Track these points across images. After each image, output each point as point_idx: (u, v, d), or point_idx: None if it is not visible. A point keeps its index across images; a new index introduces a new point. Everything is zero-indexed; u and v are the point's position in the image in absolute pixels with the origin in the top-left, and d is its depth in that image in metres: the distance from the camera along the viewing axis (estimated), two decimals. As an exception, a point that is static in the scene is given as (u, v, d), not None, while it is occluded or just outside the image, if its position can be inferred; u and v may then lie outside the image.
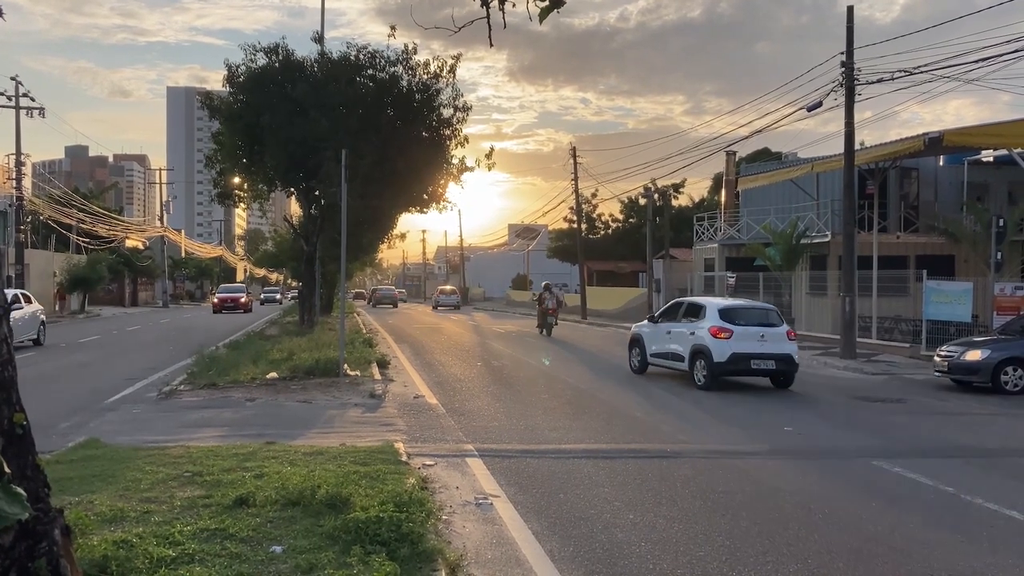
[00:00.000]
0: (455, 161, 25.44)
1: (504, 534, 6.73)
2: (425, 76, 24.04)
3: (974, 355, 16.55)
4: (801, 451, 10.48)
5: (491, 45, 4.06)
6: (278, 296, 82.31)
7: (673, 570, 5.94)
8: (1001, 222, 22.91)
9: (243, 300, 55.76)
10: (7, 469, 3.04)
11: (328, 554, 5.42)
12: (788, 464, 9.67)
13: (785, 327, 17.04)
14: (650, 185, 47.90)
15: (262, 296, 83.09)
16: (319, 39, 25.17)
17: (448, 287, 72.86)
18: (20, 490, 3.01)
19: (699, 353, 16.32)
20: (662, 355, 17.92)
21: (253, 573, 5.12)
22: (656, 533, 6.81)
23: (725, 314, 16.61)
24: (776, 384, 16.59)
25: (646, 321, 19.56)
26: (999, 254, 22.87)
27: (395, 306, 68.85)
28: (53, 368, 19.22)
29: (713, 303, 17.50)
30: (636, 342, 19.05)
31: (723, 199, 43.66)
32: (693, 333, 16.70)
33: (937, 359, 17.47)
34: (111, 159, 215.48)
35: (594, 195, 61.94)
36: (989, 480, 9.05)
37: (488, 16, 3.93)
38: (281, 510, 6.47)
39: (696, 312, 17.23)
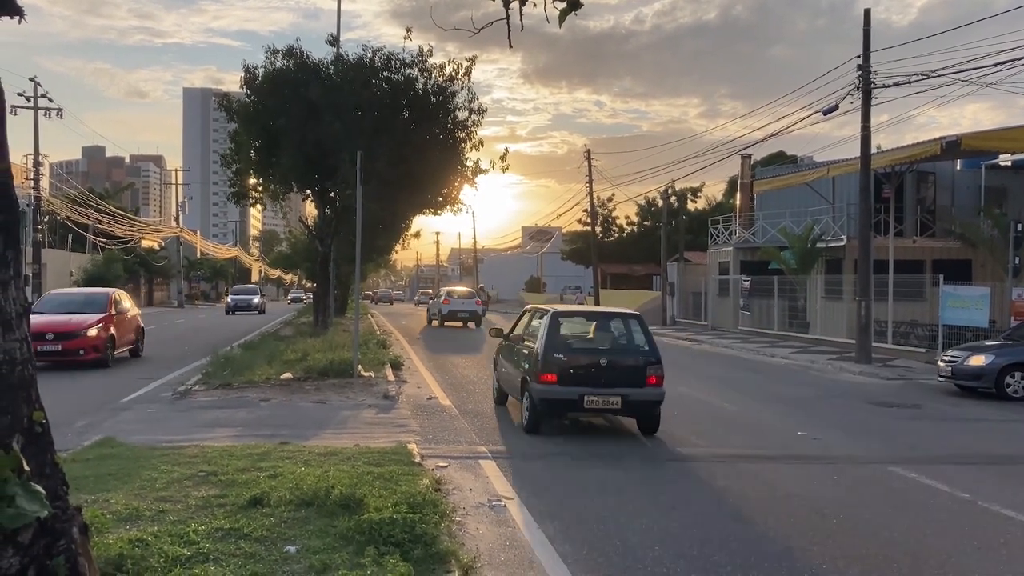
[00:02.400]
0: (470, 163, 25.47)
1: (517, 536, 6.72)
2: (440, 78, 24.09)
3: (977, 360, 16.44)
4: (816, 456, 10.42)
5: (511, 47, 4.06)
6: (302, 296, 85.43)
7: (686, 575, 5.92)
8: (1019, 227, 22.71)
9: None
10: (26, 467, 3.07)
11: (342, 555, 5.43)
12: (802, 469, 9.62)
13: None
14: (668, 188, 47.81)
15: (290, 296, 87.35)
16: (334, 41, 25.25)
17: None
18: (39, 488, 3.03)
19: None
20: None
21: (267, 573, 5.13)
22: (669, 537, 6.78)
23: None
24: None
25: None
26: (1017, 259, 22.67)
27: (391, 303, 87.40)
28: (68, 367, 19.31)
29: None
30: None
31: (738, 202, 43.49)
32: None
33: (941, 364, 17.36)
34: (127, 160, 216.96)
35: (610, 199, 61.96)
36: (1006, 487, 8.97)
37: (508, 17, 3.94)
38: (295, 510, 6.48)
39: None
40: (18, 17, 3.71)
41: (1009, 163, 31.65)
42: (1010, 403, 15.63)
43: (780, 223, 33.27)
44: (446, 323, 39.16)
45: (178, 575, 4.91)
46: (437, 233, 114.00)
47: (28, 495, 2.96)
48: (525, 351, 11.99)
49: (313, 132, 22.53)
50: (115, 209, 61.00)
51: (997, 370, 16.10)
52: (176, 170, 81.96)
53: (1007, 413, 14.63)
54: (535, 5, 3.85)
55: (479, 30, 4.25)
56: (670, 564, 6.12)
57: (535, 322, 12.53)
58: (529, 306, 14.60)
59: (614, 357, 11.32)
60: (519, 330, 13.33)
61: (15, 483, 2.98)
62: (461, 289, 45.68)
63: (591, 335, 12.51)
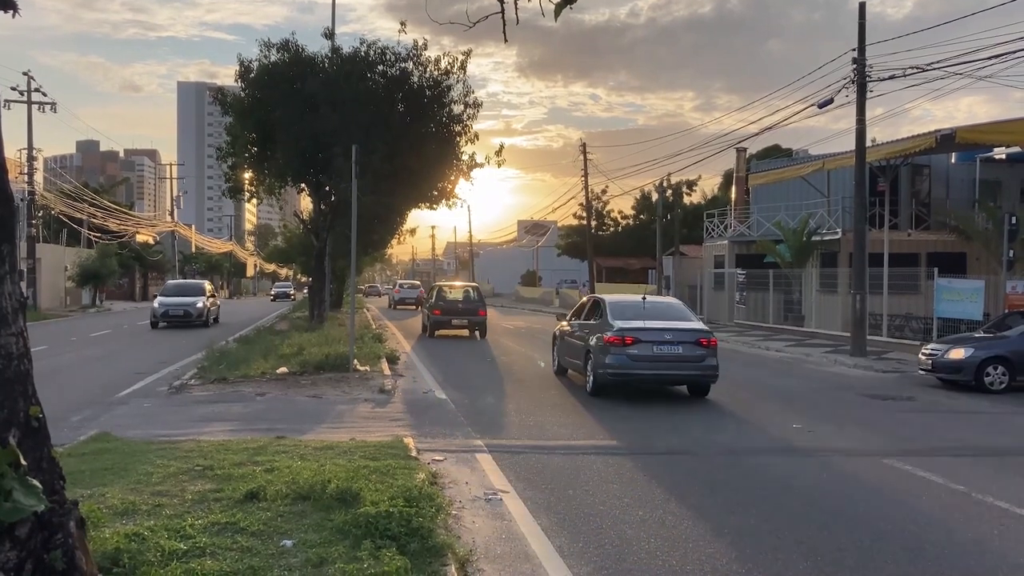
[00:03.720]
0: (465, 157, 25.46)
1: (513, 529, 6.74)
2: (436, 72, 24.07)
3: (957, 353, 16.52)
4: (811, 448, 10.45)
5: (505, 41, 4.06)
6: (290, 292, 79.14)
7: (682, 566, 5.94)
8: (1013, 220, 22.77)
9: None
10: (23, 461, 3.07)
11: (339, 548, 5.44)
12: (798, 461, 9.65)
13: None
14: (663, 181, 47.84)
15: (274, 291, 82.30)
16: (329, 35, 25.19)
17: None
18: (36, 482, 3.04)
19: None
20: None
21: (264, 567, 5.14)
22: (665, 529, 6.81)
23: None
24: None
25: None
26: (1011, 252, 22.73)
27: (380, 296, 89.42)
28: (64, 362, 19.33)
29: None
30: None
31: (733, 196, 43.56)
32: None
33: (922, 357, 17.44)
34: (122, 154, 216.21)
35: (604, 191, 61.91)
36: (1000, 479, 9.01)
37: (503, 11, 3.94)
38: (291, 504, 6.49)
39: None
40: (12, 11, 3.70)
41: (1004, 156, 31.68)
42: (1003, 395, 15.68)
43: (775, 216, 33.31)
44: (397, 307, 54.68)
45: (174, 569, 4.91)
46: (433, 227, 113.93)
47: (25, 489, 2.96)
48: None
49: (308, 126, 22.50)
50: (110, 204, 60.85)
51: (976, 363, 16.17)
52: (171, 164, 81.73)
53: (1001, 405, 14.68)
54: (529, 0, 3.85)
55: (474, 24, 4.25)
56: (665, 556, 6.14)
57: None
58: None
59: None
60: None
61: (12, 477, 2.99)
62: (409, 281, 67.58)
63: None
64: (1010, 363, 16.14)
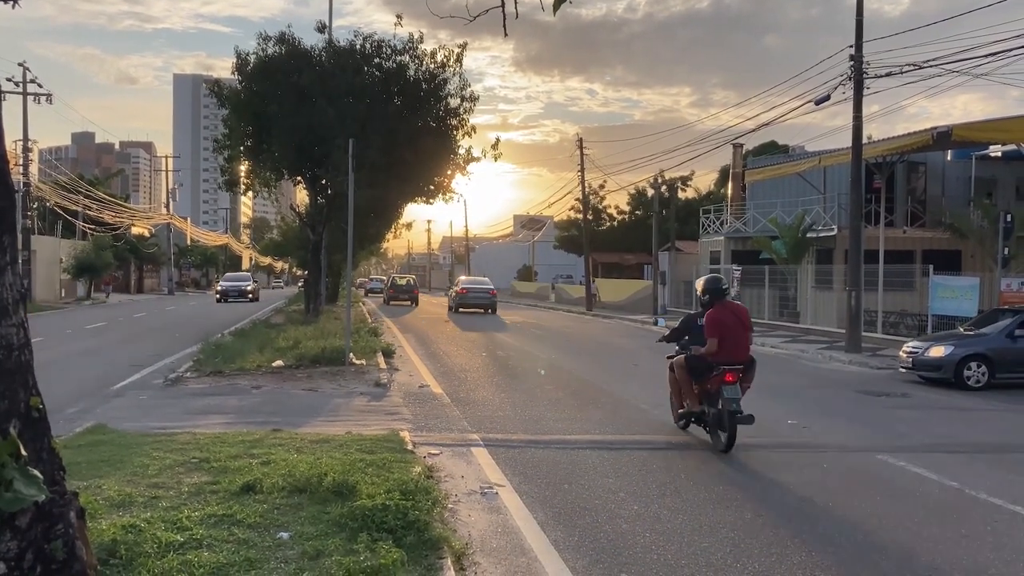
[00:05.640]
0: (462, 151, 25.44)
1: (509, 523, 6.76)
2: (432, 65, 24.04)
3: (937, 351, 16.60)
4: (805, 444, 10.49)
5: (505, 35, 4.07)
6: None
7: (677, 560, 5.97)
8: (1009, 218, 22.81)
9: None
10: (24, 452, 3.08)
11: (335, 541, 5.46)
12: (792, 457, 9.69)
13: None
14: (658, 177, 47.81)
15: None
16: (323, 28, 25.12)
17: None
18: (37, 472, 3.05)
19: None
20: None
21: (260, 559, 5.15)
22: (660, 524, 6.84)
23: None
24: None
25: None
26: (1006, 250, 22.79)
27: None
28: (60, 354, 19.31)
29: None
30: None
31: (729, 192, 43.55)
32: None
33: (903, 355, 17.51)
34: (117, 146, 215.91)
35: (602, 186, 61.82)
36: (994, 475, 9.06)
37: (503, 5, 3.94)
38: (288, 497, 6.51)
39: None
40: (12, 2, 3.71)
41: (999, 154, 31.75)
42: (991, 393, 15.74)
43: (771, 213, 33.34)
44: (369, 293, 70.39)
45: (171, 561, 4.92)
46: (429, 221, 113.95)
47: (26, 479, 2.97)
48: None
49: (305, 119, 22.47)
50: (105, 196, 60.68)
51: (956, 361, 16.24)
52: (166, 157, 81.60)
53: (998, 403, 14.74)
54: (528, -7, 3.86)
55: (474, 18, 4.26)
56: (660, 550, 6.17)
57: None
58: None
59: None
60: None
61: (12, 467, 2.99)
62: (376, 277, 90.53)
63: None
64: (989, 361, 16.21)
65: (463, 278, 52.02)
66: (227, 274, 65.15)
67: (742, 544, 6.36)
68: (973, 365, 16.22)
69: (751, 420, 9.31)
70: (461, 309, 41.04)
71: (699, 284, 10.29)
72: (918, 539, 6.67)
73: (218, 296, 52.08)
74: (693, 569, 5.82)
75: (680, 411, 10.64)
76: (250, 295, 52.53)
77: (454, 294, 43.61)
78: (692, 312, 12.54)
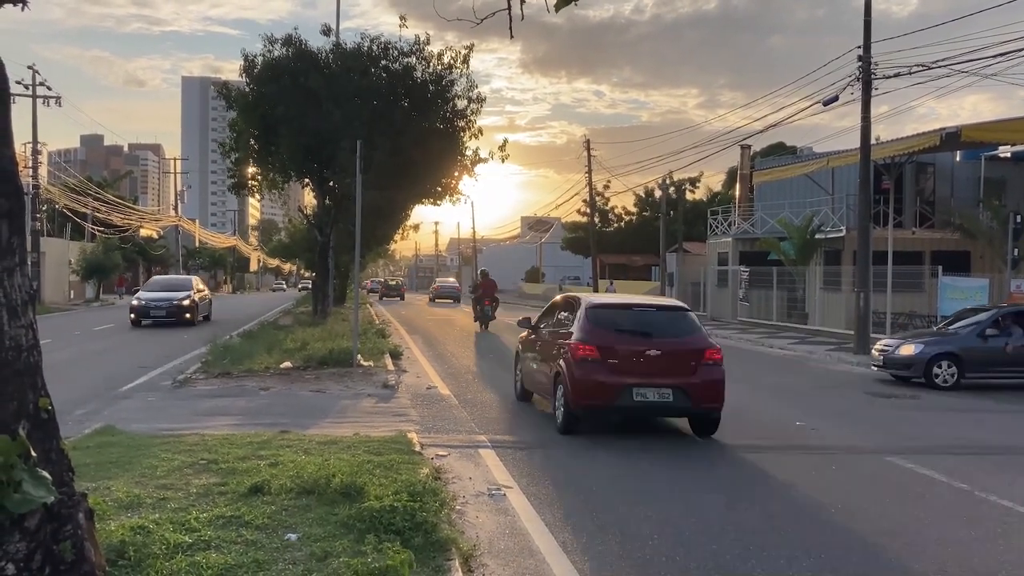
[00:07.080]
0: (469, 153, 25.45)
1: (517, 525, 6.75)
2: (439, 67, 24.05)
3: (907, 350, 16.60)
4: (813, 446, 10.46)
5: (511, 37, 4.06)
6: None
7: (686, 563, 5.95)
8: (1018, 218, 22.76)
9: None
10: (33, 453, 3.08)
11: (343, 542, 5.45)
12: (801, 459, 9.65)
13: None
14: (666, 178, 47.79)
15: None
16: (329, 31, 25.18)
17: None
18: (46, 473, 3.05)
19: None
20: None
21: (268, 560, 5.15)
22: (669, 526, 6.82)
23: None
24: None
25: None
26: (1016, 250, 22.72)
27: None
28: (68, 355, 19.37)
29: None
30: None
31: (737, 193, 43.48)
32: None
33: (875, 353, 17.48)
34: (126, 148, 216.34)
35: (607, 187, 61.79)
36: (1003, 477, 9.01)
37: (509, 7, 3.94)
38: (296, 498, 6.50)
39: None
40: (21, 4, 3.72)
41: (1008, 155, 31.63)
42: (1002, 393, 15.68)
43: (779, 214, 33.27)
44: (369, 293, 70.64)
45: (179, 562, 4.92)
46: (436, 223, 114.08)
47: (34, 481, 2.98)
48: None
49: (312, 121, 22.51)
50: (113, 198, 60.87)
51: (926, 360, 16.22)
52: (175, 159, 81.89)
53: (1008, 404, 14.68)
54: (535, -6, 3.85)
55: (481, 20, 4.25)
56: (669, 552, 6.15)
57: None
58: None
59: None
60: None
61: (22, 469, 3.00)
62: (376, 279, 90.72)
63: None
64: (959, 359, 16.17)
65: (439, 279, 78.06)
66: (154, 278, 39.08)
67: (751, 547, 6.33)
68: (943, 364, 16.19)
69: None
70: (437, 300, 58.89)
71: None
72: (928, 541, 6.64)
73: (132, 316, 29.15)
74: (702, 572, 5.80)
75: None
76: (187, 315, 29.39)
77: (432, 291, 64.77)
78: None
